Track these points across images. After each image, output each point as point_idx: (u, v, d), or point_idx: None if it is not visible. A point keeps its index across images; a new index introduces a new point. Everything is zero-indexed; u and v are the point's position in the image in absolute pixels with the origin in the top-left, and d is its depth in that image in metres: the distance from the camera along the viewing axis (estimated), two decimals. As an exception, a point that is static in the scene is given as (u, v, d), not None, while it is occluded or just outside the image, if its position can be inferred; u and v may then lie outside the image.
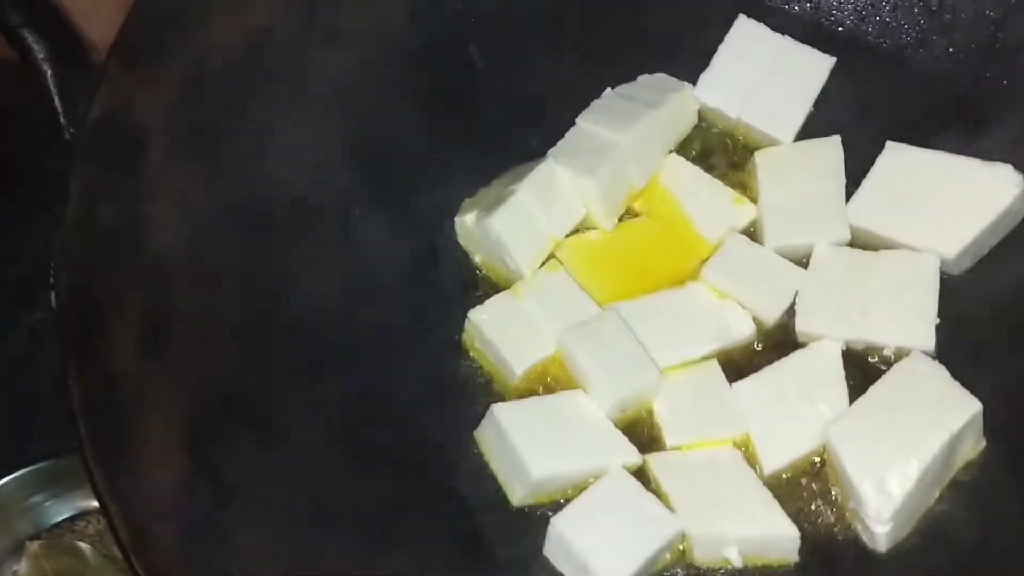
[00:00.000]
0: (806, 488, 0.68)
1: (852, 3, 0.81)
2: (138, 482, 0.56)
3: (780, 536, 0.65)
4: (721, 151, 0.79)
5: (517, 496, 0.68)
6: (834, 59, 0.77)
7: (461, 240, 0.76)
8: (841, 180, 0.75)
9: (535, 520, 0.67)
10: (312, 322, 0.68)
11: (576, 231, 0.76)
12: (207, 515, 0.58)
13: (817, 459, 0.68)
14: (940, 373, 0.67)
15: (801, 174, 0.75)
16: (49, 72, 0.63)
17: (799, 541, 0.65)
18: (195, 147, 0.65)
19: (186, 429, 0.59)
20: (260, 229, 0.68)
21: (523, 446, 0.67)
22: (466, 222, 0.75)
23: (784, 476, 0.68)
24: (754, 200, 0.76)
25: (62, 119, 0.62)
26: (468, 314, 0.72)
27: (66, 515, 0.77)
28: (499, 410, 0.69)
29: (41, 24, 0.64)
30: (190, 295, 0.62)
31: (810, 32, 0.80)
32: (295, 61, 0.71)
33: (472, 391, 0.72)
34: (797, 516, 0.66)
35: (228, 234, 0.66)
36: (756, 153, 0.77)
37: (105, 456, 0.56)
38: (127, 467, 0.56)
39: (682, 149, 0.78)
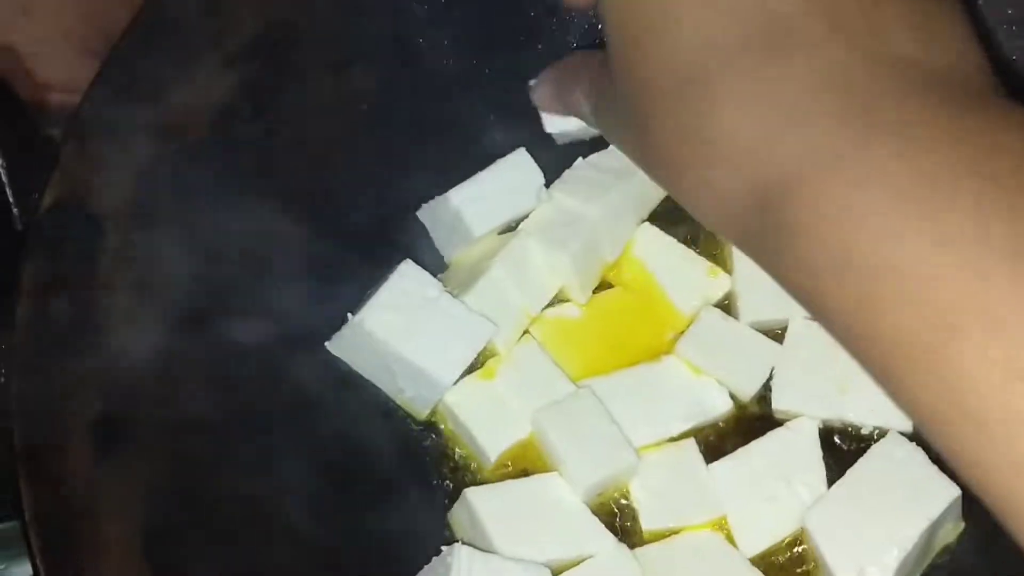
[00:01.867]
0: (786, 573, 0.67)
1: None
2: (95, 594, 0.54)
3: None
4: (695, 220, 0.77)
5: (491, 584, 0.66)
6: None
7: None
8: (817, 252, 0.74)
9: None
10: (280, 408, 0.66)
11: (550, 305, 0.74)
12: (169, 626, 0.56)
13: (798, 544, 0.67)
14: (917, 456, 0.66)
15: (776, 246, 0.74)
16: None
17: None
18: (156, 230, 0.63)
19: (145, 535, 0.57)
20: (226, 310, 0.66)
21: (496, 533, 0.66)
22: None
23: (763, 561, 0.67)
24: (729, 271, 0.75)
25: (13, 209, 0.59)
26: (443, 396, 0.70)
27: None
28: (472, 495, 0.67)
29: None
30: (152, 392, 0.60)
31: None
32: (259, 135, 0.69)
33: (443, 469, 0.71)
34: (777, 603, 0.65)
35: (193, 320, 0.64)
36: (731, 224, 0.76)
37: (59, 569, 0.53)
38: (83, 579, 0.54)
39: (656, 218, 0.77)
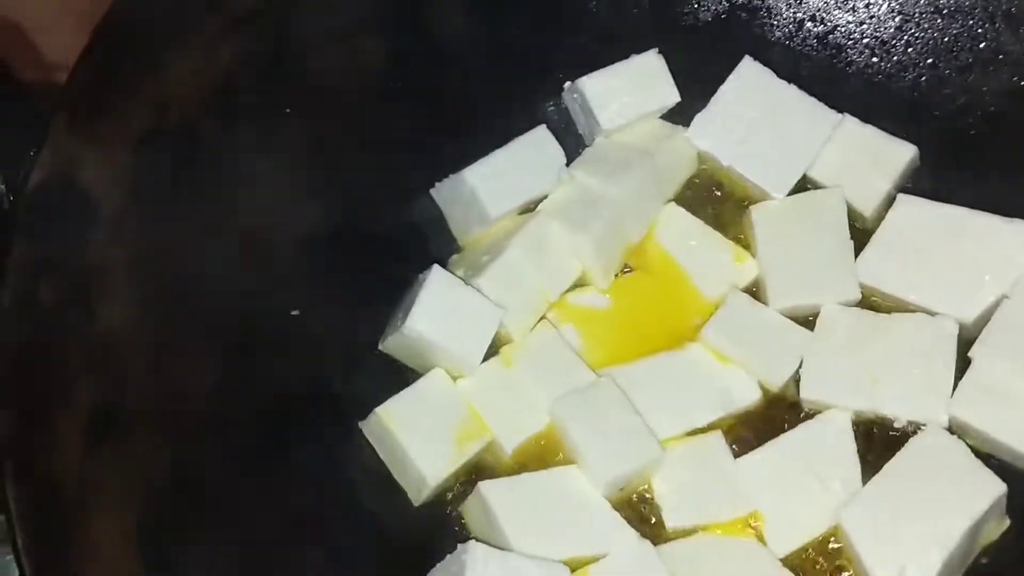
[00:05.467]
0: (820, 573, 0.63)
1: (865, 40, 0.75)
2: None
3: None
4: (723, 201, 0.73)
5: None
6: (841, 116, 0.71)
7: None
8: (846, 234, 0.69)
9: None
10: (272, 399, 0.62)
11: (569, 290, 0.71)
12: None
13: (831, 542, 0.64)
14: (959, 450, 0.62)
15: (802, 228, 0.70)
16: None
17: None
18: (150, 210, 0.59)
19: (137, 528, 0.53)
20: (223, 297, 0.62)
21: (511, 529, 0.62)
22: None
23: (795, 560, 0.64)
24: (755, 255, 0.71)
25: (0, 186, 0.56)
26: (459, 384, 0.67)
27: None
28: (486, 488, 0.63)
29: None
30: (145, 378, 0.56)
31: (820, 70, 0.75)
32: (261, 108, 0.65)
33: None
34: (810, 604, 0.62)
35: (188, 306, 0.60)
36: (752, 207, 0.71)
37: (47, 568, 0.50)
38: (73, 579, 0.51)
39: (681, 199, 0.73)
